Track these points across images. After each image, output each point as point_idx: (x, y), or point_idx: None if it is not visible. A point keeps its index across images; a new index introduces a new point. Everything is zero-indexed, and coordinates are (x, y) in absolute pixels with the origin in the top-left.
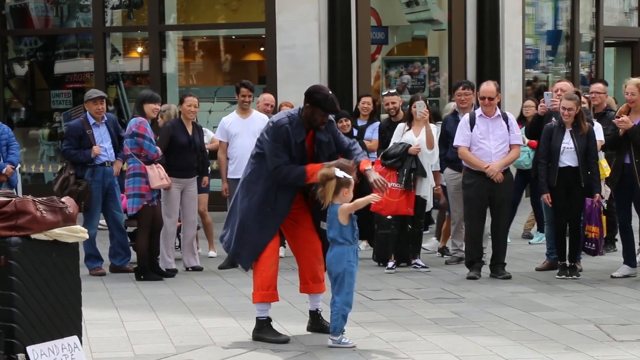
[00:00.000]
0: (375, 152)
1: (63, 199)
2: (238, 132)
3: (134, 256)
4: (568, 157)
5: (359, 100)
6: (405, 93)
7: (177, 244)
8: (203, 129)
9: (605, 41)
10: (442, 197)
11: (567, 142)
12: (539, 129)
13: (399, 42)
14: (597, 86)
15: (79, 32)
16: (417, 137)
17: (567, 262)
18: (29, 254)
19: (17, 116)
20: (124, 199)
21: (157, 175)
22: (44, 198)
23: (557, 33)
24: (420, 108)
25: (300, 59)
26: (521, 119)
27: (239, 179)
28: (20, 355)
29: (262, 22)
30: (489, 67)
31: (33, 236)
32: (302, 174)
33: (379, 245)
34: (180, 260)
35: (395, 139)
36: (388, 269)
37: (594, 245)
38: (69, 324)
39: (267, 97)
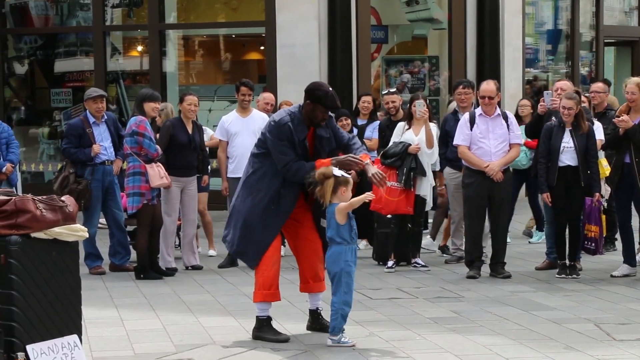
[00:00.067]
0: (375, 151)
1: (63, 198)
2: (238, 131)
3: (133, 255)
4: (568, 156)
5: (359, 99)
6: (405, 92)
7: (177, 243)
8: (203, 127)
9: (605, 40)
10: (445, 196)
11: (567, 142)
12: (539, 128)
13: (399, 41)
14: (597, 85)
15: (79, 31)
16: (416, 136)
17: (567, 262)
18: (29, 253)
19: (17, 115)
20: (123, 197)
21: (157, 174)
22: (44, 197)
23: (557, 32)
24: (420, 107)
25: (300, 58)
26: (516, 118)
27: (239, 178)
28: (20, 354)
29: (262, 21)
30: (489, 66)
31: (33, 235)
32: (312, 170)
33: (378, 244)
34: (180, 259)
35: (395, 138)
36: (388, 268)
37: (593, 244)
38: (68, 322)
39: (267, 96)
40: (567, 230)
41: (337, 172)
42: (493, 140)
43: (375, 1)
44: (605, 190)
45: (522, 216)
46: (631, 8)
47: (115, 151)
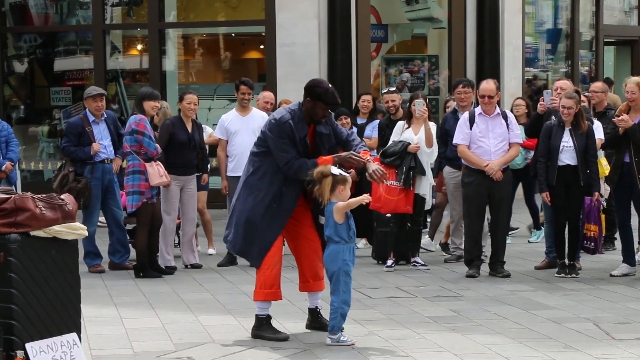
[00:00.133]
0: (375, 150)
1: (62, 196)
2: (237, 130)
3: (133, 254)
4: (567, 155)
5: (358, 98)
6: (405, 91)
7: (177, 242)
8: (202, 126)
9: (605, 40)
10: (444, 195)
11: (567, 141)
12: (539, 128)
13: (398, 40)
14: (595, 85)
15: (79, 30)
16: (416, 135)
17: (566, 261)
18: (28, 251)
19: (16, 113)
20: (123, 196)
21: (157, 172)
22: (44, 195)
23: (557, 31)
24: (420, 106)
25: (300, 56)
26: None
27: (238, 177)
28: (20, 352)
29: (262, 19)
30: (489, 65)
31: (32, 233)
32: (313, 167)
33: (378, 243)
34: (179, 257)
35: (395, 137)
36: (387, 267)
37: (593, 243)
38: (68, 321)
39: (267, 94)
40: (566, 229)
41: (335, 170)
42: (492, 140)
43: (375, 0)
44: (605, 189)
45: (519, 215)
46: (631, 7)
47: (114, 150)
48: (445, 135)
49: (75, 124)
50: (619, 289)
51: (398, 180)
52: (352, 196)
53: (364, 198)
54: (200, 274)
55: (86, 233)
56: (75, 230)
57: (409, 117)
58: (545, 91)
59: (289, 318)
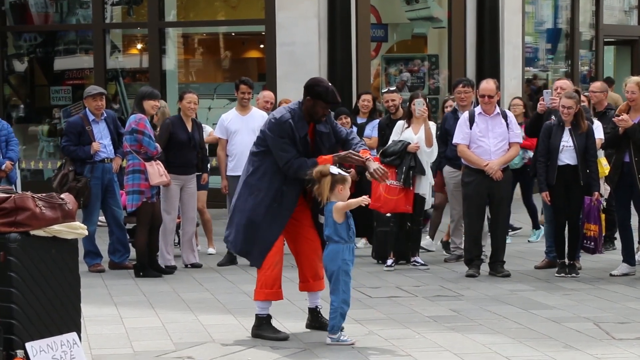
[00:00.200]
0: (375, 150)
1: (62, 196)
2: (237, 129)
3: (133, 253)
4: (567, 155)
5: (358, 97)
6: (405, 91)
7: (177, 241)
8: (202, 125)
9: (605, 39)
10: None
11: (566, 141)
12: (538, 127)
13: (398, 39)
14: (595, 85)
15: (79, 29)
16: (416, 134)
17: (566, 261)
18: (28, 251)
19: (16, 112)
20: (123, 195)
21: (157, 172)
22: (43, 194)
23: (557, 31)
24: (419, 106)
25: (300, 56)
26: None
27: (238, 176)
28: (20, 352)
29: (261, 19)
30: (489, 65)
31: (32, 232)
32: (314, 167)
33: (378, 243)
34: (179, 257)
35: (395, 136)
36: (387, 266)
37: (593, 243)
38: (68, 320)
39: (267, 94)
40: (566, 229)
41: (335, 170)
42: (492, 139)
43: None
44: (605, 189)
45: (518, 215)
46: (631, 7)
47: (114, 149)
48: (445, 135)
49: (75, 123)
50: (619, 289)
51: (398, 180)
52: (352, 196)
53: (364, 199)
54: (200, 273)
55: (86, 232)
56: (75, 229)
57: (408, 116)
58: (545, 91)
59: (289, 317)
